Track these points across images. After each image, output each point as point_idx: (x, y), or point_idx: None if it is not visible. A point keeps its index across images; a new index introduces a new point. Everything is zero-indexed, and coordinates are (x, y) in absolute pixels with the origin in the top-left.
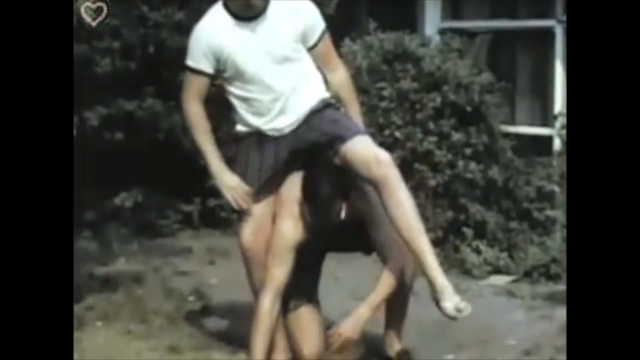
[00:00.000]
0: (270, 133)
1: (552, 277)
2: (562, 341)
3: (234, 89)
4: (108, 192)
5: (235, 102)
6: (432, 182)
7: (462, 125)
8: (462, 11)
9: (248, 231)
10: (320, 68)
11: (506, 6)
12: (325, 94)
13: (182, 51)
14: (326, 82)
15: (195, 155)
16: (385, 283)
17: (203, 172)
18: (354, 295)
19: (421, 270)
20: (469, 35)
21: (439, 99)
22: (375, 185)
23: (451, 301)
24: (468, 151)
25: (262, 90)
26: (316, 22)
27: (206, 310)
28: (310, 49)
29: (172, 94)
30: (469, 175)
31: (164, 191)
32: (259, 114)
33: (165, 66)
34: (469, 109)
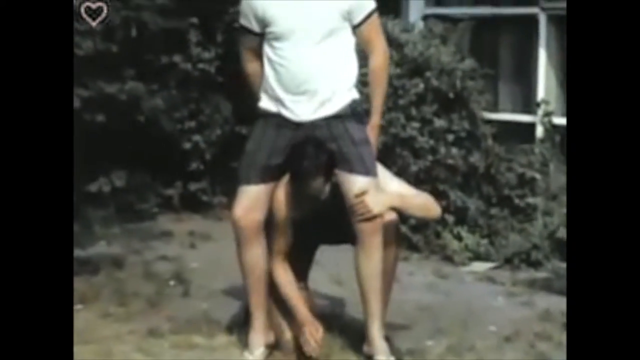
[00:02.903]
0: (289, 115)
1: (532, 264)
2: (542, 327)
3: (269, 50)
4: (88, 174)
5: (267, 68)
6: (414, 168)
7: (445, 111)
8: None
9: (240, 207)
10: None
11: None
12: (356, 95)
13: (164, 34)
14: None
15: (176, 139)
16: None
17: (184, 155)
18: (334, 280)
19: (365, 326)
20: (452, 21)
21: (421, 85)
22: (356, 230)
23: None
24: (450, 137)
25: (294, 56)
26: (365, 1)
27: (186, 294)
28: (355, 27)
29: (154, 77)
30: (450, 162)
31: (145, 174)
32: (284, 85)
33: (147, 49)
34: (451, 95)
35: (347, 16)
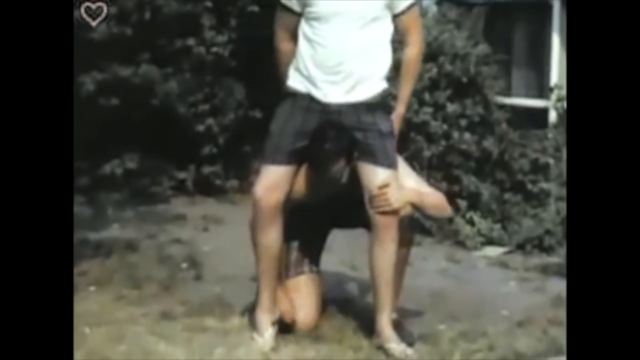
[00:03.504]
0: (318, 96)
1: (545, 249)
2: (554, 313)
3: (307, 29)
4: (102, 157)
5: (304, 46)
6: (427, 153)
7: (458, 96)
8: None
9: (262, 186)
10: (399, 38)
11: None
12: (385, 84)
13: (179, 18)
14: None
15: (190, 122)
16: None
17: (198, 139)
18: (346, 264)
19: (374, 316)
20: (466, 6)
21: (435, 70)
22: (372, 221)
23: (399, 345)
24: (463, 122)
25: (334, 37)
26: None
27: (199, 278)
28: (395, 16)
29: (168, 61)
30: (463, 147)
31: (158, 158)
32: (320, 64)
33: (161, 32)
34: (465, 80)
35: (390, 5)
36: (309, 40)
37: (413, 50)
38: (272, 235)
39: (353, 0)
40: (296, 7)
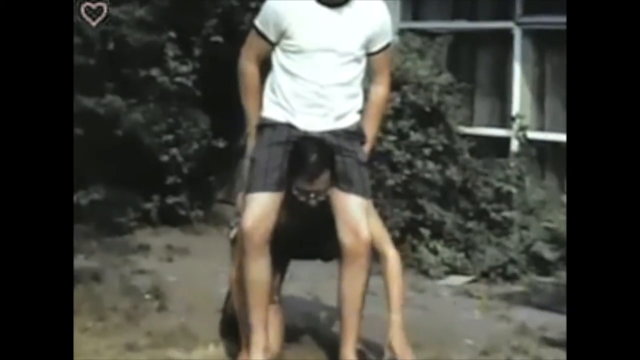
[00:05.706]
0: (300, 125)
1: (509, 278)
2: (518, 341)
3: (285, 60)
4: None
5: (282, 77)
6: (391, 182)
7: (421, 125)
8: (421, 12)
9: (252, 216)
10: (368, 76)
11: (466, 7)
12: (359, 117)
13: (143, 48)
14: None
15: (154, 152)
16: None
17: (162, 169)
18: (310, 294)
19: (339, 346)
20: (429, 35)
21: (398, 99)
22: (343, 249)
23: None
24: (427, 151)
25: (316, 72)
26: (385, 32)
27: (164, 308)
28: (369, 55)
29: (132, 91)
30: (427, 176)
31: (123, 188)
32: (300, 95)
33: (125, 63)
34: (428, 109)
35: (367, 44)
36: (288, 72)
37: (382, 90)
38: (262, 268)
39: (334, 41)
40: (272, 37)
